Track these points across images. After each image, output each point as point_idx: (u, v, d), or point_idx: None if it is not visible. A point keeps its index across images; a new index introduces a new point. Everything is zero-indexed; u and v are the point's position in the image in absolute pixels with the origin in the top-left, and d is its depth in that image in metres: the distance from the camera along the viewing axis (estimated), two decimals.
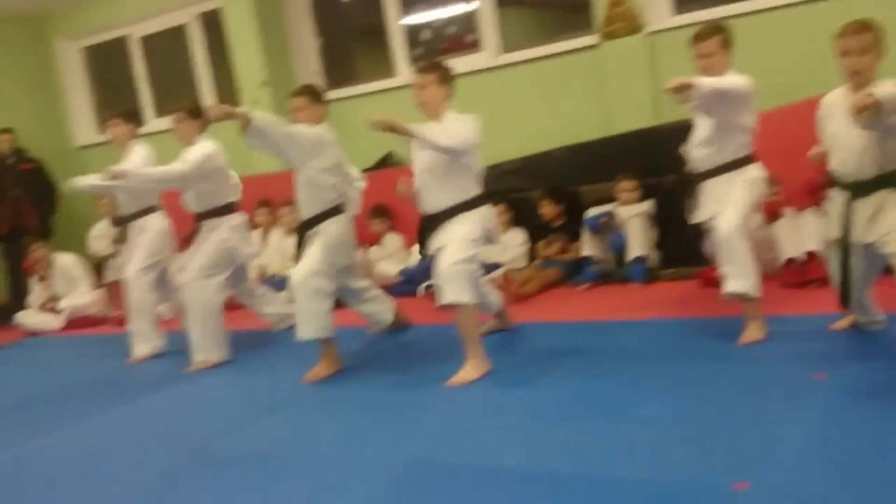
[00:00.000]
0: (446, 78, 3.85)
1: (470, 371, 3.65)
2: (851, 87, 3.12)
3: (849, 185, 3.18)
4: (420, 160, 3.88)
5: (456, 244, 3.73)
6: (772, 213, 4.84)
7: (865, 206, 3.15)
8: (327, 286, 4.10)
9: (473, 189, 3.85)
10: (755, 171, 3.73)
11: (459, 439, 2.98)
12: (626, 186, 5.52)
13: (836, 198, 3.27)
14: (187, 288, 4.74)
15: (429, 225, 3.89)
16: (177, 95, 7.51)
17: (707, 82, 3.38)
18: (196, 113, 4.78)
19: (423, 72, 3.84)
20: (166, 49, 8.45)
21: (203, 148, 4.71)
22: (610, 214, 5.46)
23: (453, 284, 3.64)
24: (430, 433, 3.08)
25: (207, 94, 8.02)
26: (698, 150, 3.77)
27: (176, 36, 8.27)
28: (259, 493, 2.78)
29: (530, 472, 2.60)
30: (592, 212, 5.57)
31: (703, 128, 3.72)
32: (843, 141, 3.18)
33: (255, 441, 3.33)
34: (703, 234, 4.03)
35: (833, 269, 3.41)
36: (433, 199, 3.85)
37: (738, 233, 3.58)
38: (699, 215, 3.86)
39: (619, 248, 5.44)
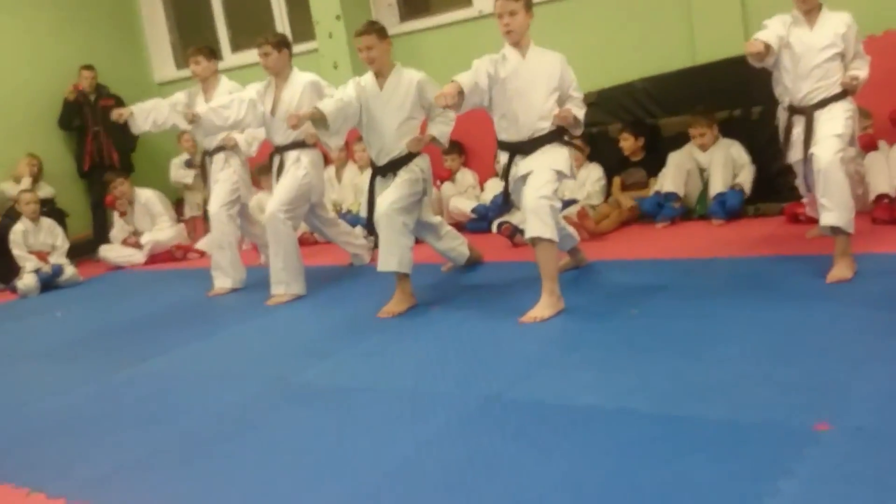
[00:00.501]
0: (531, 4, 3.75)
1: (544, 308, 3.62)
2: None
3: None
4: (512, 87, 3.76)
5: (543, 174, 3.67)
6: (864, 146, 4.60)
7: None
8: (410, 222, 4.14)
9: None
10: (850, 104, 3.67)
11: (532, 376, 2.96)
12: (698, 131, 5.31)
13: None
14: (268, 222, 4.82)
15: (516, 152, 3.83)
16: (253, 30, 7.52)
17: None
18: (281, 45, 4.80)
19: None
20: None
21: (248, 92, 4.86)
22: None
23: (538, 219, 3.60)
24: (503, 370, 3.07)
25: (283, 29, 8.01)
26: (800, 84, 3.68)
27: None
28: (335, 424, 2.84)
29: (605, 410, 2.57)
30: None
31: (804, 62, 3.64)
32: None
33: (332, 375, 3.39)
34: (791, 169, 3.89)
35: None
36: (531, 126, 3.77)
37: (838, 164, 3.50)
38: (795, 152, 3.75)
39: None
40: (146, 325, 4.83)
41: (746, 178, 5.19)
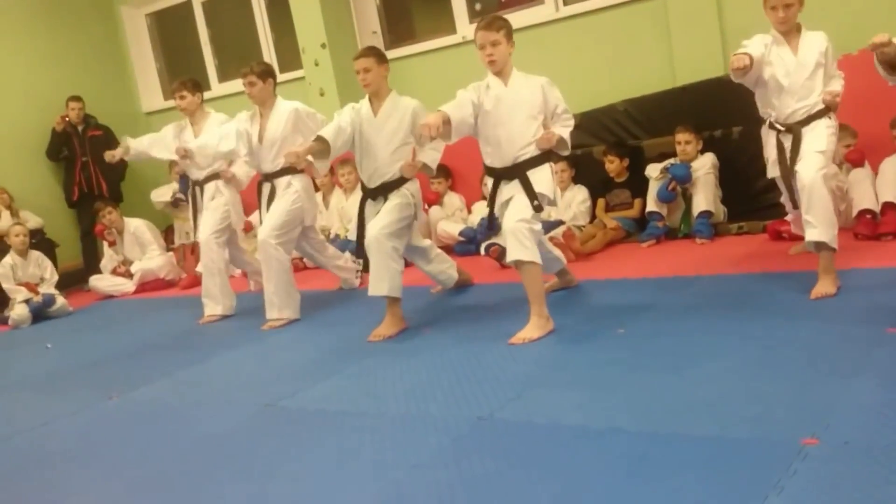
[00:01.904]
0: (511, 31, 3.81)
1: (533, 329, 3.66)
2: None
3: None
4: (495, 116, 3.81)
5: (524, 199, 3.72)
6: (853, 162, 4.69)
7: None
8: (400, 246, 4.18)
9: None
10: (832, 121, 3.74)
11: (522, 397, 2.99)
12: (683, 138, 5.39)
13: None
14: (260, 248, 4.85)
15: (501, 178, 3.87)
16: (240, 59, 7.58)
17: None
18: (265, 75, 4.86)
19: (494, 28, 3.75)
20: (228, 13, 8.53)
21: (230, 126, 4.98)
22: (684, 178, 5.33)
23: (517, 242, 3.64)
24: (493, 391, 3.10)
25: (270, 57, 8.08)
26: (786, 102, 3.74)
27: (238, 1, 8.32)
28: (326, 449, 2.85)
29: (594, 429, 2.59)
30: (654, 171, 5.46)
31: (790, 81, 3.71)
32: None
33: (323, 399, 3.41)
34: (772, 187, 3.95)
35: None
36: (514, 152, 3.81)
37: (821, 181, 3.55)
38: (775, 170, 3.82)
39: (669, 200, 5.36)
40: (136, 353, 4.83)
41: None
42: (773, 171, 3.88)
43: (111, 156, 5.44)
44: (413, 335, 4.09)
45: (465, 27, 7.01)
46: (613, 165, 5.77)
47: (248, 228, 7.00)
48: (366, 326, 4.22)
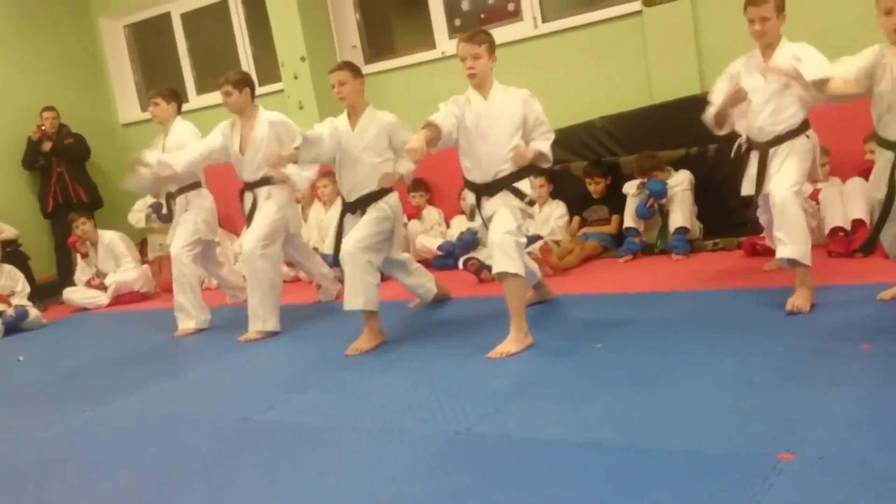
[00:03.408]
0: (494, 46, 3.83)
1: (511, 343, 3.66)
2: (892, 45, 3.03)
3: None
4: (475, 131, 3.84)
5: (507, 212, 3.73)
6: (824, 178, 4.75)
7: None
8: (377, 259, 4.18)
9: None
10: (807, 139, 3.72)
11: (500, 411, 2.99)
12: (643, 167, 5.45)
13: (882, 156, 3.17)
14: (245, 259, 4.82)
15: (482, 193, 3.89)
16: (218, 71, 7.56)
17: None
18: (242, 84, 4.86)
19: (475, 41, 3.77)
20: (207, 25, 8.51)
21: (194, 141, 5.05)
22: (660, 195, 5.38)
23: (504, 255, 3.65)
24: (471, 405, 3.09)
25: (248, 70, 8.06)
26: (756, 119, 3.75)
27: (217, 12, 8.32)
28: (302, 463, 2.83)
29: (571, 443, 2.60)
30: (631, 187, 5.50)
31: (764, 97, 3.70)
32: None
33: (299, 413, 3.38)
34: (752, 203, 3.98)
35: (881, 232, 3.33)
36: (494, 167, 3.83)
37: (792, 199, 3.57)
38: (752, 186, 3.84)
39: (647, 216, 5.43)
40: (110, 367, 4.77)
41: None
42: (747, 188, 3.91)
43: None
44: (391, 349, 4.08)
45: (444, 42, 7.05)
46: (598, 186, 5.80)
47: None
48: (343, 340, 4.21)
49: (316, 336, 4.68)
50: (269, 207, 4.87)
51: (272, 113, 4.97)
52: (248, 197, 4.98)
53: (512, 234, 3.68)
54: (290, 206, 5.02)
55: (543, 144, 3.85)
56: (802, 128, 3.71)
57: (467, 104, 3.83)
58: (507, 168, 3.81)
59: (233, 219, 7.03)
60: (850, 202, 4.64)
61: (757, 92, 3.72)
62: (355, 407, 3.34)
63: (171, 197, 5.39)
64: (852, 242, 4.52)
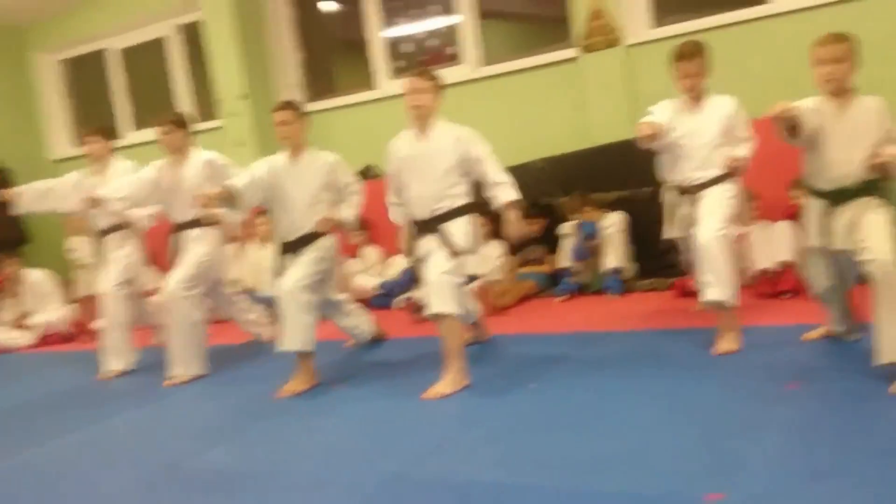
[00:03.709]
0: (440, 86, 3.87)
1: (448, 384, 3.64)
2: (827, 96, 3.15)
3: (829, 193, 3.20)
4: (411, 167, 3.87)
5: (444, 252, 3.73)
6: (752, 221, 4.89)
7: (844, 213, 3.16)
8: (314, 299, 4.12)
9: (465, 197, 3.87)
10: (733, 185, 3.85)
11: (436, 454, 2.95)
12: (586, 211, 5.54)
13: (815, 206, 3.28)
14: (169, 300, 4.71)
15: (420, 230, 3.89)
16: (155, 108, 7.48)
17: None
18: (181, 123, 4.81)
19: (423, 77, 3.82)
20: (145, 61, 8.41)
21: (125, 178, 4.93)
22: (591, 236, 5.47)
23: (440, 295, 3.63)
24: (407, 448, 3.05)
25: (186, 107, 7.99)
26: (687, 166, 3.87)
27: (155, 48, 8.24)
28: None
29: (508, 485, 2.57)
30: (568, 228, 5.58)
31: (691, 146, 3.84)
32: (831, 151, 3.17)
33: (229, 459, 3.28)
34: (679, 247, 4.08)
35: (812, 277, 3.43)
36: (430, 205, 3.84)
37: (718, 241, 3.65)
38: (679, 229, 3.94)
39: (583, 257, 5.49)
40: (30, 411, 4.56)
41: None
42: (670, 231, 4.00)
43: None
44: (324, 391, 4.01)
45: (385, 83, 7.11)
46: (536, 227, 5.86)
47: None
48: (276, 383, 4.12)
49: (247, 379, 4.57)
50: (197, 249, 4.77)
51: (208, 152, 4.91)
52: (177, 238, 4.88)
53: (449, 273, 3.67)
54: (219, 249, 4.91)
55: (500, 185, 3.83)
56: (727, 176, 3.83)
57: (407, 141, 3.87)
58: (444, 206, 3.82)
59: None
60: (777, 244, 4.78)
61: (691, 140, 3.84)
62: (288, 452, 3.25)
63: (102, 234, 5.26)
64: (779, 284, 4.65)
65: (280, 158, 4.31)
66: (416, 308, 5.33)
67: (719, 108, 3.86)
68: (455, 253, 3.75)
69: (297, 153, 4.28)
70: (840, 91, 3.12)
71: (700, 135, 3.83)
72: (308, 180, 4.24)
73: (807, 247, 3.41)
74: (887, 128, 3.13)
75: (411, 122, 3.89)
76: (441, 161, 3.82)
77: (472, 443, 3.02)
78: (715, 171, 3.82)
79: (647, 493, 2.38)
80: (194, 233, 4.82)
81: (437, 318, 3.68)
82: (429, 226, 3.84)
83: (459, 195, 3.85)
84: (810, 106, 3.16)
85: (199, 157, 4.84)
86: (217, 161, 4.86)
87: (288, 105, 4.32)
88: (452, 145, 3.83)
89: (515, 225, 3.81)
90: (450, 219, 3.83)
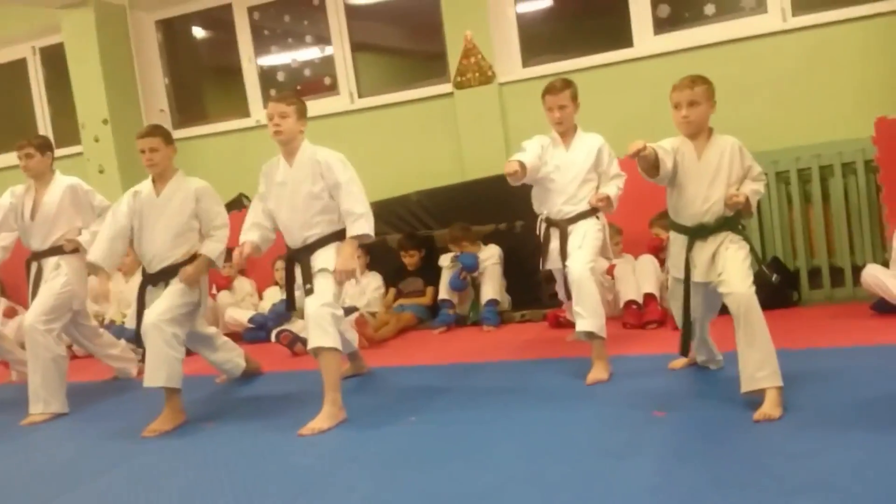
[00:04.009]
0: (304, 112, 3.80)
1: (325, 419, 3.56)
2: (686, 137, 3.31)
3: (690, 229, 3.32)
4: (279, 195, 3.80)
5: (323, 281, 3.65)
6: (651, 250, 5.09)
7: (705, 248, 3.29)
8: (181, 333, 3.95)
9: (338, 223, 3.78)
10: (599, 219, 4.02)
11: (311, 492, 2.87)
12: (464, 244, 5.64)
13: (677, 240, 3.42)
14: (27, 334, 4.40)
15: (293, 259, 3.82)
16: (13, 132, 7.06)
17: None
18: (44, 147, 4.57)
19: (285, 101, 3.74)
20: (3, 84, 7.95)
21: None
22: (469, 268, 5.54)
23: (320, 328, 3.55)
24: (281, 487, 2.95)
25: (46, 130, 7.58)
26: (555, 200, 4.00)
27: (13, 70, 7.80)
28: None
29: None
30: (445, 260, 5.65)
31: (559, 181, 3.98)
32: (691, 189, 3.29)
33: (91, 501, 3.08)
34: (551, 278, 4.20)
35: (675, 308, 3.59)
36: (300, 233, 3.76)
37: (588, 275, 3.79)
38: (551, 261, 4.05)
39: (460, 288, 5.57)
40: None
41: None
42: (549, 263, 4.12)
43: None
44: (194, 429, 3.84)
45: (259, 111, 6.99)
46: (413, 259, 5.90)
47: (10, 314, 6.40)
48: (140, 420, 3.90)
49: (111, 417, 4.31)
50: (56, 280, 4.50)
51: (70, 178, 4.67)
52: (34, 267, 4.60)
53: (329, 306, 3.60)
54: (79, 279, 4.62)
55: (356, 209, 3.72)
56: (594, 210, 4.00)
57: (276, 167, 3.82)
58: (314, 234, 3.75)
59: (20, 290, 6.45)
60: (641, 277, 5.00)
61: (560, 175, 3.98)
62: (151, 495, 3.08)
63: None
64: (644, 315, 4.86)
65: (145, 186, 4.14)
66: (291, 341, 5.22)
67: (587, 144, 4.03)
68: (333, 281, 3.66)
69: (163, 181, 4.11)
70: (698, 132, 3.29)
71: (568, 170, 3.99)
72: (173, 209, 4.08)
73: (670, 279, 3.57)
74: (747, 165, 3.31)
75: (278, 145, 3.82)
76: (305, 187, 3.73)
77: (348, 480, 2.96)
78: (583, 206, 3.98)
79: None
80: (52, 261, 4.54)
81: (316, 352, 3.61)
82: (302, 254, 3.77)
83: (329, 222, 3.76)
84: (670, 146, 3.30)
85: (62, 182, 4.59)
86: (80, 188, 4.63)
87: (155, 131, 4.14)
88: (315, 170, 3.73)
89: (343, 259, 3.67)
90: (318, 248, 3.74)
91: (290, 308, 4.00)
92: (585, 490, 2.56)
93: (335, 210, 3.75)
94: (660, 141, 3.31)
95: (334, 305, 3.63)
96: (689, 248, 3.32)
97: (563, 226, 3.98)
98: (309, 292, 3.67)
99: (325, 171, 3.72)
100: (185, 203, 4.10)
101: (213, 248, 4.12)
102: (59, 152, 6.55)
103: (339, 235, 3.78)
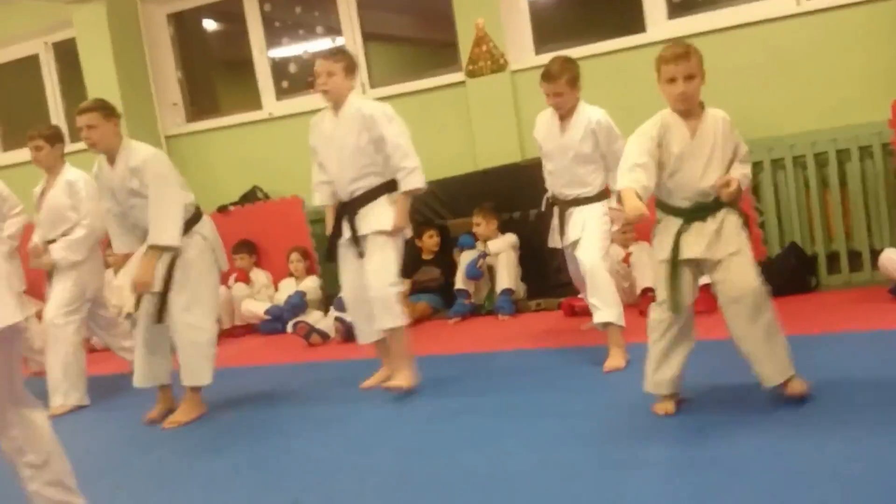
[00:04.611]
0: (353, 68, 3.80)
1: (405, 378, 3.73)
2: (678, 113, 2.98)
3: (686, 211, 3.01)
4: (330, 149, 3.81)
5: (380, 256, 3.70)
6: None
7: (704, 228, 2.97)
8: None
9: (386, 176, 3.79)
10: (603, 203, 3.92)
11: (327, 482, 2.89)
12: (477, 220, 5.62)
13: (669, 223, 3.06)
14: (47, 328, 4.44)
15: (344, 213, 3.82)
16: (27, 127, 7.09)
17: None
18: (54, 138, 4.59)
19: (333, 59, 3.75)
20: (16, 79, 7.99)
21: None
22: (485, 255, 5.53)
23: (387, 310, 3.68)
24: (298, 476, 2.98)
25: (61, 125, 7.61)
26: (556, 181, 3.95)
27: (27, 65, 7.83)
28: None
29: None
30: (465, 257, 5.63)
31: (556, 161, 3.91)
32: (688, 171, 2.98)
33: (109, 495, 3.11)
34: (562, 258, 4.15)
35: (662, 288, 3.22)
36: (348, 186, 3.77)
37: (601, 266, 3.75)
38: (553, 240, 4.04)
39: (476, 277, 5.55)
40: None
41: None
42: (551, 242, 4.09)
43: None
44: (215, 420, 3.87)
45: (272, 104, 6.99)
46: (433, 241, 5.88)
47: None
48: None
49: (131, 408, 4.34)
50: (69, 272, 4.52)
51: (74, 173, 4.63)
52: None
53: (393, 285, 3.71)
54: (91, 268, 4.63)
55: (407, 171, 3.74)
56: (598, 197, 3.90)
57: (322, 121, 3.84)
58: (362, 186, 3.76)
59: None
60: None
61: (556, 157, 3.93)
62: (174, 484, 3.12)
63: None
64: None
65: (102, 163, 3.98)
66: (308, 332, 5.25)
67: (584, 120, 3.82)
68: (394, 250, 3.72)
69: (111, 157, 3.90)
70: (693, 109, 2.96)
71: (565, 153, 3.89)
72: (122, 183, 3.86)
73: (661, 261, 3.12)
74: (735, 143, 3.03)
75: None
76: (351, 141, 3.73)
77: (365, 469, 2.98)
78: (582, 190, 3.89)
79: None
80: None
81: (391, 331, 3.73)
82: (347, 209, 3.78)
83: (376, 175, 3.76)
84: (651, 136, 2.95)
85: (65, 176, 4.59)
86: (75, 183, 4.54)
87: (93, 106, 3.88)
88: (361, 123, 3.72)
89: (400, 216, 3.73)
90: (367, 201, 3.76)
91: (329, 259, 3.98)
92: (601, 479, 2.56)
93: (382, 163, 3.76)
94: (638, 128, 3.00)
95: (397, 282, 3.74)
96: (682, 232, 2.98)
97: (562, 207, 3.95)
98: (361, 254, 3.72)
99: (370, 124, 3.72)
100: (131, 177, 3.85)
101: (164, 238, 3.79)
102: (73, 147, 6.61)
103: (387, 188, 3.79)
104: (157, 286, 3.77)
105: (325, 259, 4.01)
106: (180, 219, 3.78)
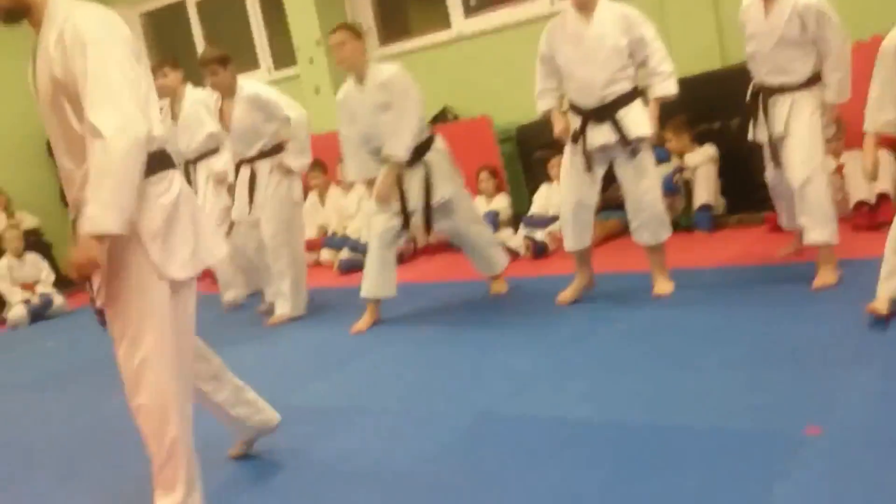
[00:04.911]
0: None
1: (669, 285, 3.89)
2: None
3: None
4: (583, 51, 3.74)
5: (653, 170, 3.87)
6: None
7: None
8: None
9: (636, 80, 3.79)
10: (813, 97, 3.60)
11: (522, 392, 2.99)
12: (668, 136, 5.36)
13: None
14: (269, 247, 4.76)
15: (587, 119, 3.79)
16: (234, 55, 7.56)
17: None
18: (226, 61, 4.73)
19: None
20: (222, 12, 8.49)
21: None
22: (681, 170, 5.33)
23: (664, 223, 3.88)
24: (494, 386, 3.10)
25: (264, 55, 8.08)
26: (762, 69, 3.67)
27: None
28: (331, 445, 2.86)
29: (597, 422, 2.60)
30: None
31: (766, 47, 3.61)
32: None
33: (327, 395, 3.41)
34: (764, 157, 3.90)
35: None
36: (600, 91, 3.71)
37: (813, 182, 3.50)
38: (762, 133, 3.78)
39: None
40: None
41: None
42: (753, 134, 3.85)
43: None
44: (411, 332, 4.09)
45: (460, 23, 6.99)
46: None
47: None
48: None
49: (343, 318, 4.62)
50: (276, 187, 4.73)
51: (252, 86, 4.82)
52: (245, 173, 4.83)
53: (661, 200, 3.92)
54: (298, 183, 4.88)
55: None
56: (809, 82, 3.58)
57: (563, 23, 3.81)
58: (615, 91, 3.70)
59: None
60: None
61: (758, 41, 3.64)
62: (381, 389, 3.36)
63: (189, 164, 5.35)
64: (877, 215, 4.46)
65: (349, 85, 4.23)
66: (536, 250, 5.33)
67: (792, 1, 3.48)
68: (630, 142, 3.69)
69: (361, 76, 4.15)
70: None
71: (769, 36, 3.57)
72: (377, 100, 4.10)
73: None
74: None
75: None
76: (607, 43, 3.65)
77: (561, 381, 3.05)
78: (787, 78, 3.58)
79: (742, 427, 2.37)
80: (265, 166, 4.76)
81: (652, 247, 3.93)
82: (598, 114, 3.73)
83: (629, 79, 3.72)
84: None
85: (241, 93, 4.72)
86: (260, 97, 4.71)
87: (343, 27, 4.18)
88: (619, 25, 3.66)
89: (654, 121, 3.71)
90: (621, 105, 3.70)
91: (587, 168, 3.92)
92: (809, 398, 2.48)
93: (632, 66, 3.73)
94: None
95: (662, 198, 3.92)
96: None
97: (765, 94, 3.65)
98: (634, 153, 3.74)
99: (629, 25, 3.66)
100: (383, 93, 4.10)
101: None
102: (276, 75, 7.00)
103: (637, 92, 3.77)
104: (415, 199, 4.09)
105: (570, 166, 3.94)
106: (416, 133, 4.08)
